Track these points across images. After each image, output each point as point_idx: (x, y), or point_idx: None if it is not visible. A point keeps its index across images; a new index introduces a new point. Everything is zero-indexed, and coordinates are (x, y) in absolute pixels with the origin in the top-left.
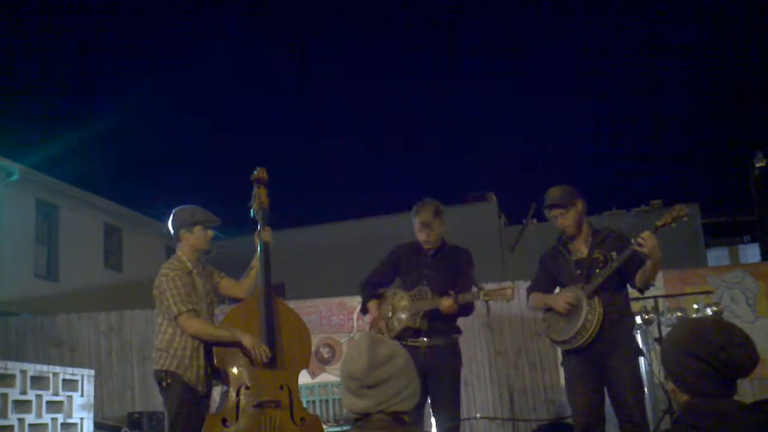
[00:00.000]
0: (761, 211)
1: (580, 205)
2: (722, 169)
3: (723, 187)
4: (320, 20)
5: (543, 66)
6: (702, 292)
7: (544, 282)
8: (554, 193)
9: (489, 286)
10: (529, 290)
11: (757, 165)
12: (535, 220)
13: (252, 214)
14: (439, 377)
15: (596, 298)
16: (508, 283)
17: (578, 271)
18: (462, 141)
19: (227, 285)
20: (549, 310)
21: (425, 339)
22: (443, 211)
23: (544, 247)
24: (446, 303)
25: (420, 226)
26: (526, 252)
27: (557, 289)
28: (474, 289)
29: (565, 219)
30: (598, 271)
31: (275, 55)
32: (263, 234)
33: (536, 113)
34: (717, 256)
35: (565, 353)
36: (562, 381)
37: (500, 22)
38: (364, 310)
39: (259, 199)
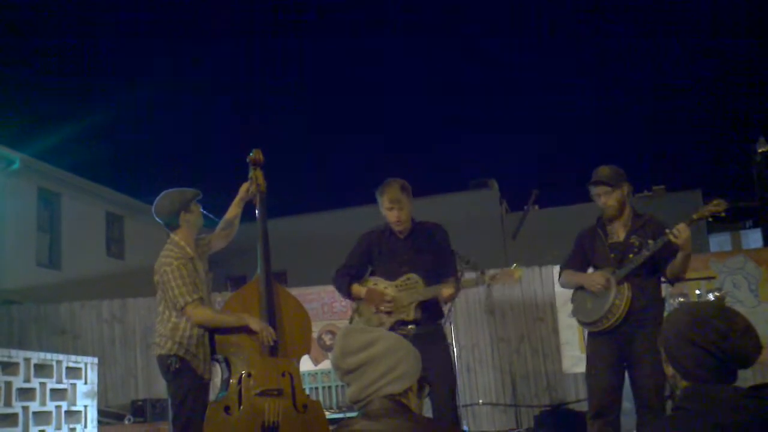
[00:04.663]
0: (763, 196)
1: (626, 188)
2: (724, 155)
3: (725, 172)
4: (327, 16)
5: (544, 54)
6: (704, 278)
7: (578, 261)
8: (604, 171)
9: (492, 271)
10: (563, 267)
11: (760, 150)
12: (536, 207)
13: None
14: (433, 364)
15: (626, 284)
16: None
17: (612, 255)
18: (463, 128)
19: (215, 242)
20: (579, 289)
21: (413, 327)
22: (409, 188)
23: (546, 233)
24: (448, 292)
25: (389, 204)
26: (527, 239)
27: (590, 270)
28: (475, 273)
29: (609, 198)
30: (631, 256)
31: (277, 40)
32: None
33: (537, 100)
34: (719, 241)
35: (590, 334)
36: (564, 367)
37: (500, 18)
38: (349, 296)
39: (255, 182)
